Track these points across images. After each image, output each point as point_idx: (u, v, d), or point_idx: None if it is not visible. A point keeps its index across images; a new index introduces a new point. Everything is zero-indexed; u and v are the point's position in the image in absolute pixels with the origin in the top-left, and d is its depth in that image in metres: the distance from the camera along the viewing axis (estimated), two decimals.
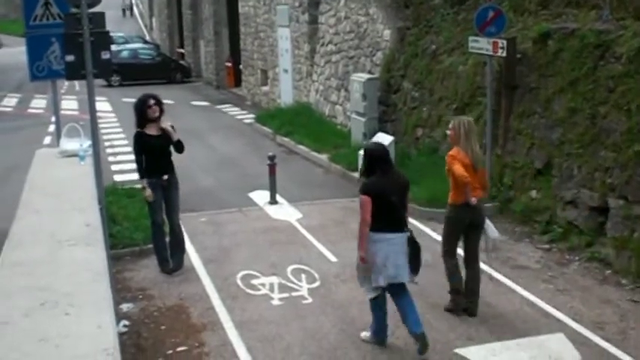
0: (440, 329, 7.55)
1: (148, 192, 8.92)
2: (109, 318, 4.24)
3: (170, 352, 7.09)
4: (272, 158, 12.36)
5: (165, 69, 33.58)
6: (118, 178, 14.47)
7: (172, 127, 9.13)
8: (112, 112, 24.05)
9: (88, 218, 6.45)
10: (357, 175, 13.57)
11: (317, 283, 8.81)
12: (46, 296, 4.45)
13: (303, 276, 9.00)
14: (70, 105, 25.61)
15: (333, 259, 9.66)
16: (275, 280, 8.92)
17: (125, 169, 15.40)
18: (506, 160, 11.70)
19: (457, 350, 7.11)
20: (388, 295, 7.17)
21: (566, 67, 10.82)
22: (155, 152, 8.99)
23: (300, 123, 18.51)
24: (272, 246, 10.20)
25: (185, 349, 7.15)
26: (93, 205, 7.07)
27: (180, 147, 9.16)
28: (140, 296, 8.50)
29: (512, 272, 9.21)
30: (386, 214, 6.75)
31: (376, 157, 6.91)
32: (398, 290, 7.06)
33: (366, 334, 7.32)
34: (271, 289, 8.64)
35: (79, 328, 4.03)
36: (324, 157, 15.74)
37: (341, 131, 17.54)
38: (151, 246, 9.71)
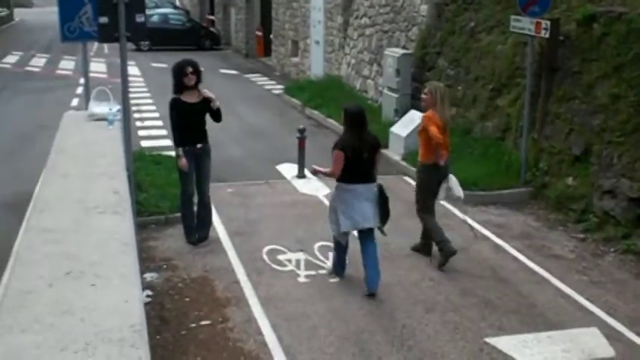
0: (472, 318, 7.32)
1: (183, 161, 8.71)
2: (137, 292, 4.07)
3: (193, 325, 6.93)
4: (302, 131, 12.12)
5: (195, 35, 33.28)
6: (145, 143, 14.33)
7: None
8: (141, 77, 23.89)
9: (116, 185, 6.28)
10: (387, 152, 13.34)
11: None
12: (72, 265, 4.29)
13: (330, 254, 8.78)
14: (98, 68, 25.49)
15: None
16: (302, 256, 8.73)
17: (152, 135, 15.28)
18: (543, 144, 11.38)
19: (488, 339, 6.89)
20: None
21: (610, 52, 10.46)
22: (190, 120, 8.77)
23: (330, 96, 18.22)
24: (299, 221, 10.00)
25: (209, 323, 6.99)
26: (121, 171, 6.89)
27: (218, 116, 8.96)
28: (164, 266, 8.35)
29: (546, 261, 8.94)
30: (356, 168, 7.54)
31: (353, 116, 7.68)
32: (366, 237, 7.83)
33: (327, 265, 8.26)
34: (297, 266, 8.46)
35: (105, 302, 3.87)
36: None
37: (371, 106, 17.19)
38: (177, 215, 9.54)
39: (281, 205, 10.71)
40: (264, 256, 8.68)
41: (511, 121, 12.25)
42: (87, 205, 5.60)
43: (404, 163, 12.94)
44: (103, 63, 27.09)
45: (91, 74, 22.59)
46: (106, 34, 7.58)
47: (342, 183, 7.69)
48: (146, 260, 8.36)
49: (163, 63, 26.97)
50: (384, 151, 13.65)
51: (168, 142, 14.58)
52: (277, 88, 22.33)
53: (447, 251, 8.46)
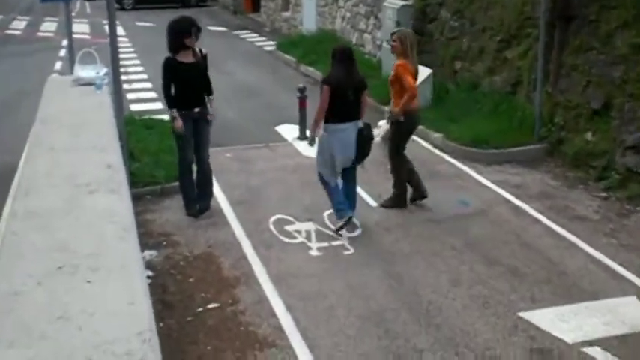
0: (501, 289, 6.75)
1: (179, 122, 8.00)
2: (142, 289, 3.46)
3: (200, 309, 6.31)
4: (302, 90, 11.42)
5: None
6: (134, 107, 13.60)
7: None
8: (126, 37, 22.93)
9: (109, 158, 5.66)
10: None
11: (358, 232, 8.00)
12: (64, 258, 3.69)
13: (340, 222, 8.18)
14: (81, 28, 24.53)
15: (372, 203, 8.83)
16: (311, 226, 8.11)
17: (142, 98, 14.54)
18: (558, 98, 10.73)
19: (521, 314, 6.32)
20: None
21: None
22: (188, 82, 8.08)
23: (324, 51, 17.28)
24: (304, 187, 9.35)
25: (217, 305, 6.37)
26: (113, 142, 6.25)
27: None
28: (164, 242, 7.70)
29: (570, 224, 8.36)
30: (341, 105, 7.60)
31: (341, 52, 7.85)
32: (348, 175, 8.00)
33: (337, 224, 7.91)
34: (308, 237, 7.84)
35: (106, 303, 3.26)
36: None
37: (369, 61, 16.49)
38: (174, 185, 8.92)
39: (284, 170, 10.06)
40: (271, 227, 8.07)
41: (522, 74, 11.58)
42: (77, 183, 4.98)
43: None
44: (86, 23, 26.16)
45: (74, 35, 21.74)
46: None
47: (331, 123, 7.71)
48: (144, 236, 7.72)
49: (149, 22, 26.09)
50: (385, 107, 13.02)
51: (159, 105, 13.89)
52: (268, 45, 21.51)
53: (422, 191, 8.68)
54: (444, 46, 13.78)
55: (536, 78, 10.79)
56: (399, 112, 8.43)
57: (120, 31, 23.60)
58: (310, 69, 16.75)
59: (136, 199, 8.51)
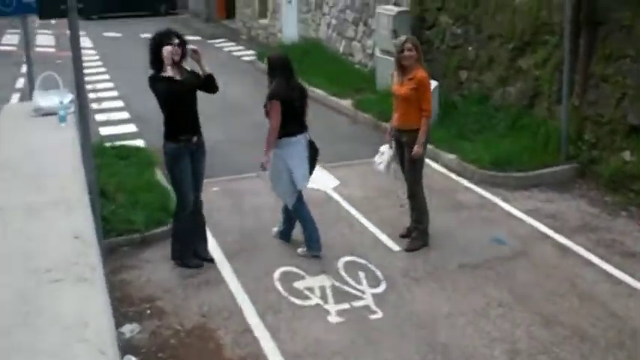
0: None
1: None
2: None
3: None
4: None
5: (150, 0, 30.76)
6: (104, 130, 12.17)
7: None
8: (93, 49, 21.43)
9: (77, 223, 4.31)
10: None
11: (382, 286, 6.67)
12: None
13: (362, 275, 6.87)
14: (45, 41, 22.99)
15: (394, 246, 7.51)
16: (326, 281, 6.76)
17: (113, 120, 13.11)
18: (587, 112, 9.50)
19: None
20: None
21: None
22: (182, 103, 6.75)
23: (311, 62, 16.13)
24: None
25: None
26: (82, 196, 4.90)
27: (212, 84, 7.00)
28: (148, 311, 6.27)
29: (625, 263, 7.13)
30: (290, 118, 7.04)
31: (282, 62, 7.19)
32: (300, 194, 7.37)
33: (301, 249, 7.32)
34: (324, 297, 6.49)
35: None
36: (346, 103, 13.49)
37: (360, 72, 15.25)
38: (155, 232, 7.58)
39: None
40: (277, 285, 6.70)
41: (541, 86, 10.34)
42: (35, 266, 3.64)
43: None
44: (51, 35, 24.55)
45: (38, 49, 20.16)
46: (49, 8, 5.44)
47: (285, 137, 7.09)
48: (122, 302, 6.33)
49: (117, 32, 24.61)
50: (386, 124, 11.74)
51: (133, 128, 12.50)
52: (247, 55, 20.16)
53: (426, 239, 7.53)
54: (446, 55, 12.53)
55: (561, 90, 9.56)
56: (421, 141, 7.18)
57: (87, 42, 22.18)
58: None
59: (111, 251, 7.16)
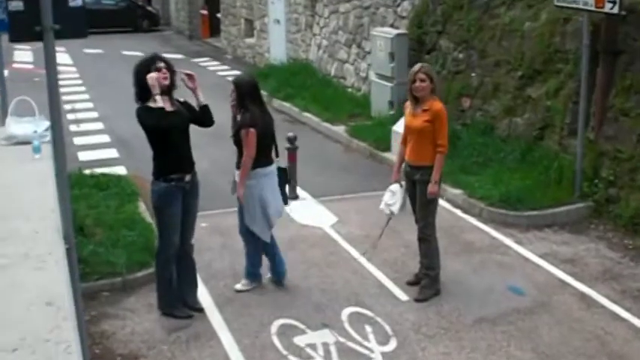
0: None
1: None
2: None
3: None
4: (292, 140, 9.33)
5: (131, 16, 29.94)
6: (83, 156, 11.38)
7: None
8: (73, 67, 20.60)
9: (49, 284, 3.67)
10: (390, 154, 10.79)
11: (392, 344, 5.94)
12: None
13: (369, 329, 6.15)
14: (22, 57, 22.07)
15: (401, 295, 6.80)
16: (329, 336, 6.03)
17: (92, 144, 12.31)
18: (604, 147, 8.89)
19: None
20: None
21: None
22: (175, 137, 6.05)
23: (300, 84, 15.50)
24: (309, 272, 7.30)
25: None
26: (56, 245, 4.24)
27: (208, 116, 6.38)
28: None
29: None
30: (264, 147, 6.62)
31: (254, 87, 6.71)
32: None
33: (241, 286, 6.87)
34: (327, 356, 5.75)
35: None
36: (339, 129, 12.81)
37: (354, 96, 14.59)
38: (138, 275, 6.83)
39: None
40: (276, 341, 5.95)
41: (553, 117, 9.73)
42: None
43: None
44: (29, 50, 23.66)
45: (15, 64, 19.26)
46: (21, 30, 4.69)
47: (259, 168, 6.60)
48: None
49: (98, 48, 23.79)
50: (386, 155, 11.11)
51: (114, 153, 11.72)
52: (233, 75, 19.39)
53: (438, 287, 6.82)
54: (447, 81, 11.90)
55: (575, 122, 8.96)
56: (436, 179, 6.53)
57: (66, 59, 21.40)
58: (286, 104, 14.73)
59: (89, 297, 6.40)
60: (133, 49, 23.44)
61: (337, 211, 9.00)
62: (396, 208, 6.93)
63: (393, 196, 6.94)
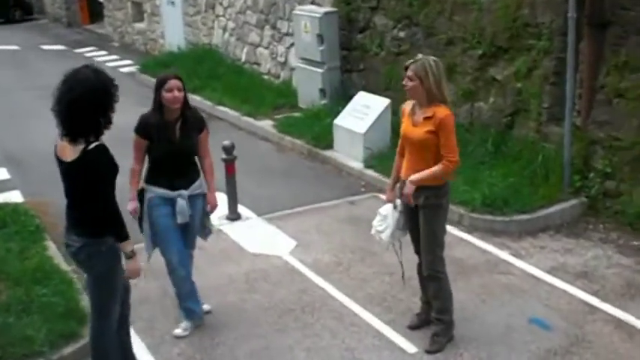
0: None
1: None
2: None
3: None
4: (229, 150, 7.60)
5: (2, 6, 27.21)
6: None
7: None
8: None
9: None
10: (335, 155, 9.33)
11: None
12: None
13: None
14: None
15: (408, 346, 5.31)
16: None
17: None
18: (596, 134, 7.68)
19: None
20: None
21: None
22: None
23: (209, 73, 13.76)
24: (284, 323, 5.69)
25: None
26: None
27: None
28: None
29: None
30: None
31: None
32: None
33: (181, 330, 5.56)
34: None
35: None
36: (264, 124, 11.19)
37: (273, 84, 12.98)
38: (64, 352, 5.03)
39: (232, 289, 6.28)
40: None
41: (526, 101, 8.46)
42: None
43: (371, 173, 8.85)
44: None
45: None
46: None
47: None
48: None
49: None
50: (329, 153, 9.62)
51: (3, 173, 9.64)
52: (125, 65, 17.35)
53: (451, 333, 5.42)
54: (387, 64, 10.48)
55: (563, 107, 7.71)
56: (423, 177, 5.09)
57: None
58: (196, 97, 12.84)
59: None
60: (7, 42, 20.87)
61: (293, 232, 7.39)
62: (385, 236, 5.43)
63: (384, 221, 5.43)
